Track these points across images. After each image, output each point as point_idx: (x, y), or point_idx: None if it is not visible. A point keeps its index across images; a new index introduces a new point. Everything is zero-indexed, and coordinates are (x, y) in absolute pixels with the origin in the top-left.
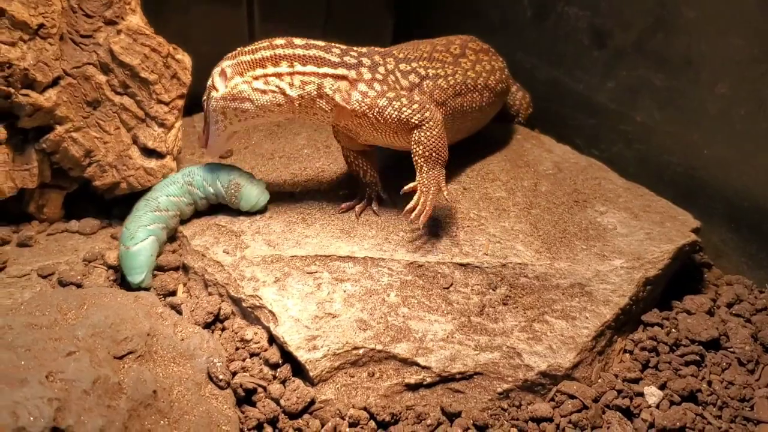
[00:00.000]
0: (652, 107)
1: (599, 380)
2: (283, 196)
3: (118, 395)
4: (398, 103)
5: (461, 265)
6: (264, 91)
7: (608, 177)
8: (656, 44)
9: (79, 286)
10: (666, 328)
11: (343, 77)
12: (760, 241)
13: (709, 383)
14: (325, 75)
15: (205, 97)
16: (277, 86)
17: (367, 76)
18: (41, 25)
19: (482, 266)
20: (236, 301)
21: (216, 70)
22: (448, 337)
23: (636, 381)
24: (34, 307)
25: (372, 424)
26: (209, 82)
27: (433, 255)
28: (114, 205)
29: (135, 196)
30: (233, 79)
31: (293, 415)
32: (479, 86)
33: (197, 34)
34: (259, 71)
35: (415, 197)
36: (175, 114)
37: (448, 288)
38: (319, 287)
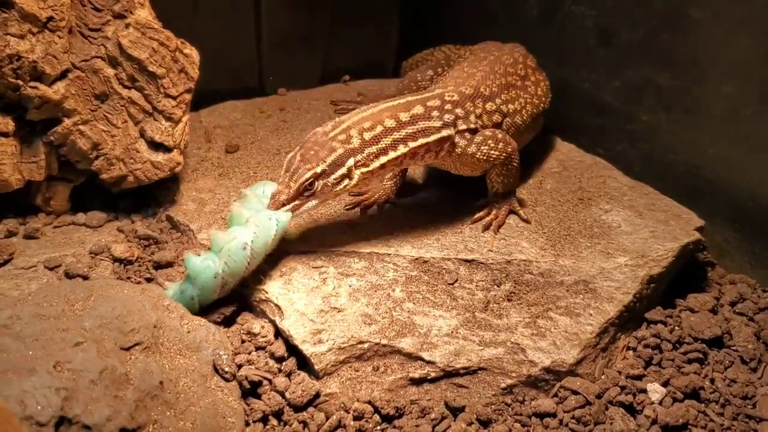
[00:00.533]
0: (658, 106)
1: (602, 377)
2: None
3: (125, 386)
4: (486, 147)
5: (466, 261)
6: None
7: (613, 175)
8: (663, 44)
9: (85, 278)
10: (669, 325)
11: (448, 137)
12: (763, 240)
13: (712, 381)
14: (434, 141)
15: (308, 177)
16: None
17: (462, 127)
18: (50, 18)
19: (487, 262)
20: (242, 295)
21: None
22: (452, 332)
23: (639, 378)
24: (41, 297)
25: (376, 417)
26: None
27: (438, 251)
28: (120, 199)
29: (142, 189)
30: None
31: (298, 408)
32: (541, 112)
33: (205, 29)
34: (380, 160)
35: (486, 214)
36: (183, 108)
37: (453, 284)
38: (324, 282)
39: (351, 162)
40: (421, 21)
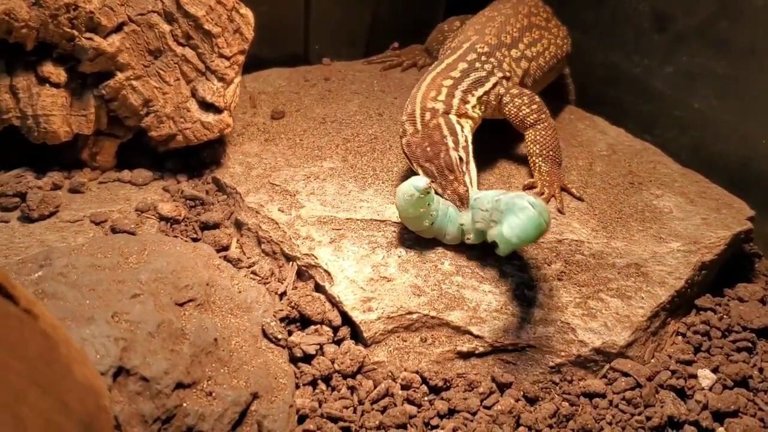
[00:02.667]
0: (711, 95)
1: (652, 360)
2: (335, 160)
3: (182, 340)
4: (519, 101)
5: None
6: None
7: (663, 161)
8: (720, 31)
9: (132, 234)
10: (719, 313)
11: (497, 83)
12: None
13: (761, 370)
14: (489, 88)
15: (455, 157)
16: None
17: (500, 75)
18: None
19: (537, 241)
20: (290, 260)
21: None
22: (501, 308)
23: (689, 363)
24: (95, 249)
25: (424, 388)
26: (446, 133)
27: None
28: (166, 158)
29: (188, 150)
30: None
31: (347, 375)
32: (564, 55)
33: None
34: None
35: (538, 193)
36: (236, 69)
37: (502, 260)
38: (373, 251)
39: (454, 120)
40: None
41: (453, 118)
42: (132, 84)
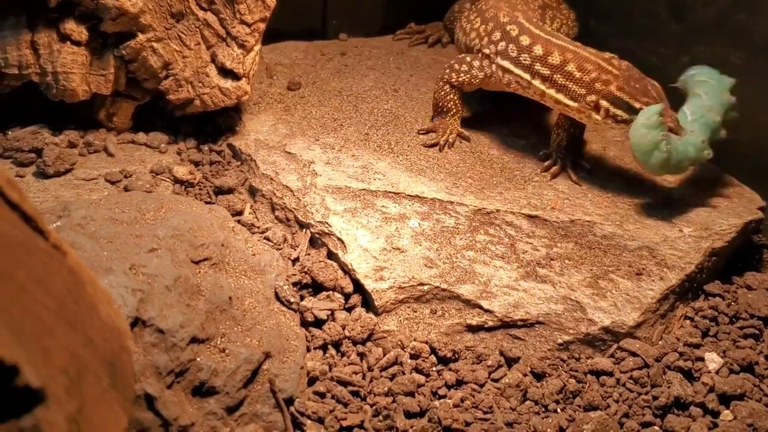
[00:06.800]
0: None
1: (660, 342)
2: (351, 133)
3: (197, 296)
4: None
5: (530, 216)
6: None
7: None
8: (738, 23)
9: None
10: (727, 300)
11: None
12: None
13: (767, 357)
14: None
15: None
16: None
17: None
18: None
19: (550, 219)
20: (304, 227)
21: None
22: (512, 284)
23: (697, 346)
24: (113, 203)
25: (432, 358)
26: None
27: (501, 203)
28: (182, 123)
29: (203, 116)
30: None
31: (357, 341)
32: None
33: None
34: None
35: (552, 164)
36: (256, 37)
37: (514, 237)
38: (387, 222)
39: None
40: None
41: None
42: (153, 46)
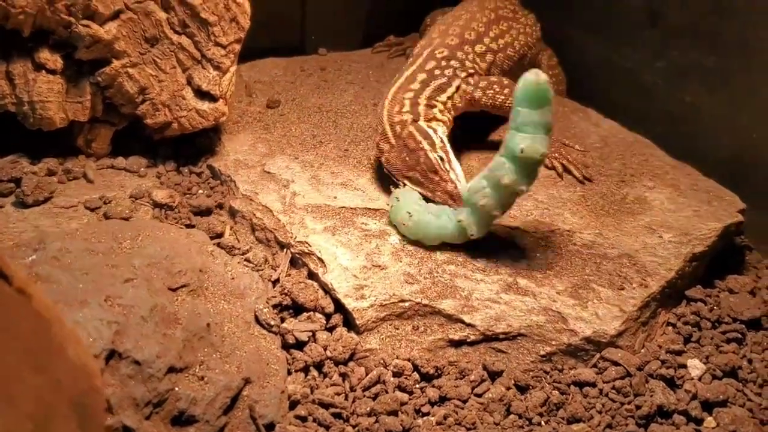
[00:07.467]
0: (702, 89)
1: (642, 350)
2: (331, 149)
3: (174, 325)
4: (491, 92)
5: (509, 228)
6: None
7: (655, 154)
8: (711, 26)
9: (127, 220)
10: (709, 305)
11: (459, 86)
12: None
13: (750, 361)
14: (453, 91)
15: (434, 159)
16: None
17: (463, 75)
18: None
19: (530, 231)
20: (284, 247)
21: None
22: (493, 297)
23: (679, 353)
24: (90, 233)
25: (415, 375)
26: (419, 138)
27: None
28: (160, 146)
29: (182, 138)
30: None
31: (339, 362)
32: (534, 42)
33: None
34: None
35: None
36: (231, 58)
37: (495, 249)
38: (367, 239)
39: (424, 125)
40: None
41: (423, 124)
42: (128, 71)
